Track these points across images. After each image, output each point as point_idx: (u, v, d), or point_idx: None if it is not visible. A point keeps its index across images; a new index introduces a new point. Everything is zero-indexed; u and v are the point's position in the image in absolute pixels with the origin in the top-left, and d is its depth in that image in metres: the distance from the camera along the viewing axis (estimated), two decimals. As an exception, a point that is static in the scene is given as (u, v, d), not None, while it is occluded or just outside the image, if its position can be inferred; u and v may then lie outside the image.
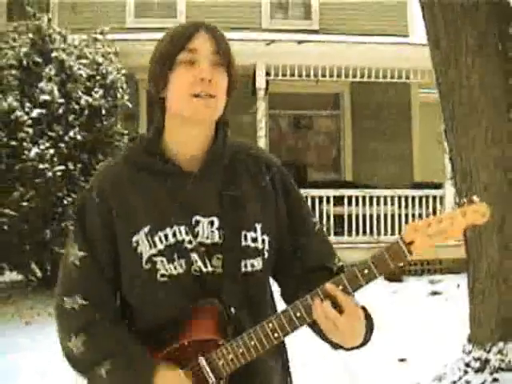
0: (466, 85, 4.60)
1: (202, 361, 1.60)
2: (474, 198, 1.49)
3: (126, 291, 1.72)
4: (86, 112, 8.35)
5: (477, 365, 4.59)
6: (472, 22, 4.61)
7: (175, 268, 1.64)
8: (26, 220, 8.15)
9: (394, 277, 9.75)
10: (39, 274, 9.02)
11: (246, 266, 1.68)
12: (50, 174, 7.80)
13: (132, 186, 1.69)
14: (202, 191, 1.69)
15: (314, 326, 1.60)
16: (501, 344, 4.51)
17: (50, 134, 8.01)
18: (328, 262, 1.79)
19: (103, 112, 8.54)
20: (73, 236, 1.71)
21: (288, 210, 1.78)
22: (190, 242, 1.65)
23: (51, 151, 7.86)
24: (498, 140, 4.55)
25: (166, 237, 1.65)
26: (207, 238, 1.67)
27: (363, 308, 1.63)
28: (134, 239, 1.65)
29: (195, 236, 1.66)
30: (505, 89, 4.57)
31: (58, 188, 8.08)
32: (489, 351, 4.54)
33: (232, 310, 1.63)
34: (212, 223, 1.67)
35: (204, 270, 1.65)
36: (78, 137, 8.16)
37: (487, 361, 4.52)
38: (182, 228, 1.66)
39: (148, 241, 1.65)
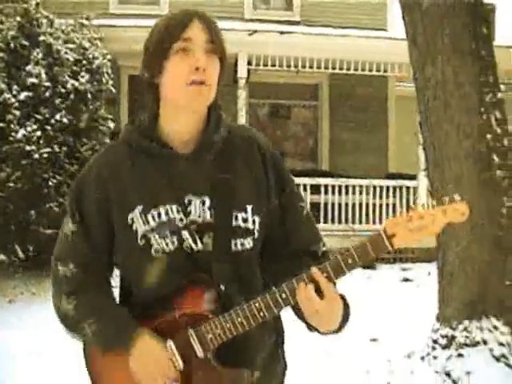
0: (441, 81, 4.88)
1: (191, 333, 1.67)
2: (456, 196, 1.54)
3: (123, 266, 1.82)
4: (72, 96, 8.51)
5: (444, 341, 4.90)
6: (449, 23, 4.89)
7: (167, 245, 1.71)
8: (11, 201, 8.28)
9: (368, 264, 10.06)
10: (21, 254, 9.11)
11: (236, 245, 1.74)
12: (36, 155, 7.96)
13: (129, 167, 1.77)
14: (194, 172, 1.75)
15: (296, 309, 1.68)
16: (466, 322, 4.82)
17: (36, 116, 8.16)
18: (313, 246, 1.85)
19: (89, 96, 8.69)
20: (69, 210, 1.82)
21: (279, 193, 1.83)
22: (182, 220, 1.72)
23: (38, 133, 8.01)
24: (470, 134, 4.85)
25: (159, 215, 1.72)
26: (199, 216, 1.73)
27: (342, 297, 1.70)
28: (130, 216, 1.73)
29: (187, 215, 1.73)
30: (477, 86, 4.86)
31: (44, 170, 8.22)
32: (455, 329, 4.85)
33: (222, 286, 1.69)
34: (203, 202, 1.74)
35: (195, 247, 1.72)
36: (65, 120, 8.32)
37: (453, 338, 4.83)
38: (174, 207, 1.73)
39: (142, 218, 1.73)
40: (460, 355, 4.74)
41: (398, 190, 11.35)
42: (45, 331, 6.26)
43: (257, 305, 1.63)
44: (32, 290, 8.40)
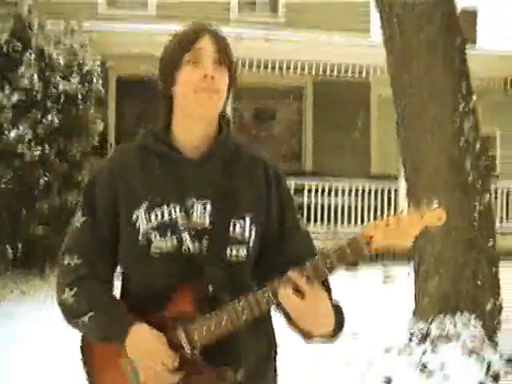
0: (417, 87, 5.16)
1: (181, 331, 1.73)
2: (434, 202, 1.59)
3: (123, 262, 1.87)
4: (63, 98, 8.72)
5: (419, 336, 5.18)
6: (424, 32, 5.16)
7: (166, 244, 1.77)
8: (2, 200, 8.44)
9: (348, 266, 10.28)
10: (11, 253, 9.22)
11: (231, 251, 1.79)
12: (27, 156, 8.15)
13: (140, 167, 1.84)
14: (200, 177, 1.81)
15: (286, 317, 1.74)
16: (440, 316, 5.10)
17: (29, 118, 8.35)
18: (308, 259, 1.81)
19: (79, 98, 8.90)
20: (80, 204, 1.90)
21: (279, 211, 1.89)
22: (183, 221, 1.78)
23: (29, 134, 8.21)
24: (444, 136, 5.14)
25: (162, 214, 1.78)
26: (199, 220, 1.79)
27: (336, 306, 1.77)
28: (135, 214, 1.79)
29: (189, 217, 1.78)
30: (451, 94, 5.14)
31: (35, 170, 8.41)
32: (430, 323, 5.13)
33: (211, 289, 1.75)
34: (205, 207, 1.80)
35: (192, 249, 1.77)
36: (55, 121, 8.52)
37: (429, 332, 5.11)
38: (177, 208, 1.78)
39: (146, 216, 1.78)
40: (435, 348, 5.01)
41: (379, 192, 11.61)
42: (36, 329, 6.48)
43: (241, 304, 1.69)
44: (22, 289, 8.54)
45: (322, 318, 1.69)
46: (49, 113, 8.56)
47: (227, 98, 1.88)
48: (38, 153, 8.31)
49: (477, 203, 5.08)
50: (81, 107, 9.03)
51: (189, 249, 1.77)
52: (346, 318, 1.81)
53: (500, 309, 5.27)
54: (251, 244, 1.82)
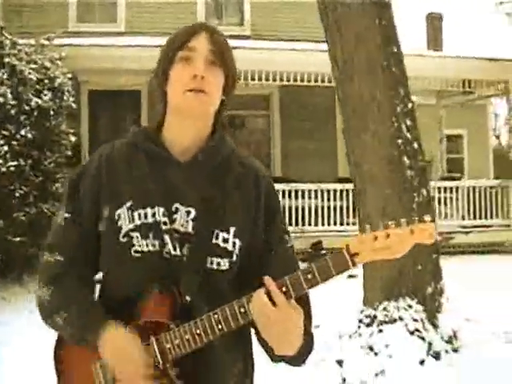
0: (358, 96, 5.65)
1: (153, 341, 1.66)
2: (425, 217, 1.51)
3: (102, 261, 1.80)
4: (36, 113, 9.10)
5: (367, 320, 5.64)
6: (364, 44, 5.66)
7: (147, 245, 1.71)
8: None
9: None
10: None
11: (212, 262, 1.72)
12: (3, 169, 8.54)
13: (127, 164, 1.79)
14: (187, 182, 1.75)
15: (259, 336, 1.67)
16: (385, 303, 5.56)
17: (3, 132, 8.72)
18: (289, 274, 1.71)
19: (51, 113, 9.31)
20: (64, 200, 1.84)
21: (266, 223, 1.82)
22: (166, 224, 1.71)
23: (5, 148, 8.59)
24: (383, 139, 5.62)
25: (146, 215, 1.72)
26: (182, 225, 1.72)
27: (309, 334, 1.70)
28: (117, 212, 1.74)
29: (172, 221, 1.72)
30: (389, 98, 5.64)
31: (11, 182, 8.78)
32: (376, 309, 5.60)
33: (188, 298, 1.68)
34: (189, 213, 1.73)
35: (174, 254, 1.70)
36: (29, 135, 8.91)
37: (375, 317, 5.57)
38: (161, 210, 1.72)
39: (128, 216, 1.73)
40: (380, 331, 5.46)
41: (344, 193, 12.09)
42: (18, 335, 6.78)
43: (216, 317, 1.61)
44: (3, 296, 8.79)
45: (288, 334, 1.59)
46: (23, 127, 8.93)
47: (225, 98, 1.83)
48: (13, 166, 8.68)
49: (415, 195, 5.56)
50: (53, 121, 9.43)
51: (170, 253, 1.70)
52: (313, 349, 1.73)
53: (441, 292, 5.74)
54: (234, 257, 1.75)
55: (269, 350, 1.67)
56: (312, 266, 1.56)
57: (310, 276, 1.55)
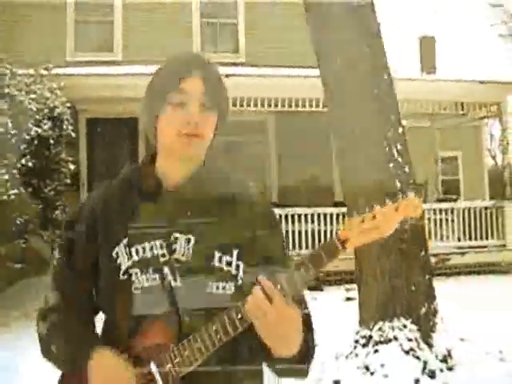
0: (350, 121, 5.82)
1: (153, 365, 1.66)
2: (409, 194, 1.82)
3: (100, 299, 1.80)
4: (36, 142, 9.27)
5: (363, 341, 5.75)
6: (354, 73, 5.83)
7: (147, 280, 1.70)
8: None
9: (316, 286, 10.85)
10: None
11: (217, 287, 1.69)
12: (5, 197, 8.68)
13: (120, 202, 1.78)
14: (183, 210, 1.73)
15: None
16: (380, 323, 5.68)
17: (4, 161, 8.88)
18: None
19: (51, 142, 9.47)
20: (60, 241, 1.87)
21: (265, 245, 1.79)
22: (164, 256, 1.71)
23: (6, 177, 8.75)
24: (375, 163, 5.78)
25: (144, 250, 1.71)
26: (183, 255, 1.71)
27: (308, 341, 1.67)
28: (115, 251, 1.73)
29: (172, 252, 1.71)
30: (380, 126, 5.80)
31: (12, 210, 8.93)
32: (371, 329, 5.72)
33: (186, 319, 1.66)
34: (189, 241, 1.71)
35: (174, 285, 1.69)
36: (29, 164, 9.07)
37: (370, 337, 5.69)
38: (158, 243, 1.71)
39: (126, 253, 1.72)
40: (376, 351, 5.57)
41: (340, 217, 12.18)
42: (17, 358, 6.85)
43: (213, 327, 1.59)
44: (1, 321, 8.78)
45: (285, 330, 1.56)
46: (23, 156, 9.08)
47: (215, 134, 1.80)
48: (14, 194, 8.81)
49: (408, 219, 5.67)
50: (53, 150, 9.60)
51: (170, 285, 1.69)
52: (314, 355, 1.72)
53: (435, 312, 5.86)
54: (239, 281, 1.71)
55: (270, 366, 1.67)
56: (304, 258, 1.54)
57: (303, 269, 1.53)
